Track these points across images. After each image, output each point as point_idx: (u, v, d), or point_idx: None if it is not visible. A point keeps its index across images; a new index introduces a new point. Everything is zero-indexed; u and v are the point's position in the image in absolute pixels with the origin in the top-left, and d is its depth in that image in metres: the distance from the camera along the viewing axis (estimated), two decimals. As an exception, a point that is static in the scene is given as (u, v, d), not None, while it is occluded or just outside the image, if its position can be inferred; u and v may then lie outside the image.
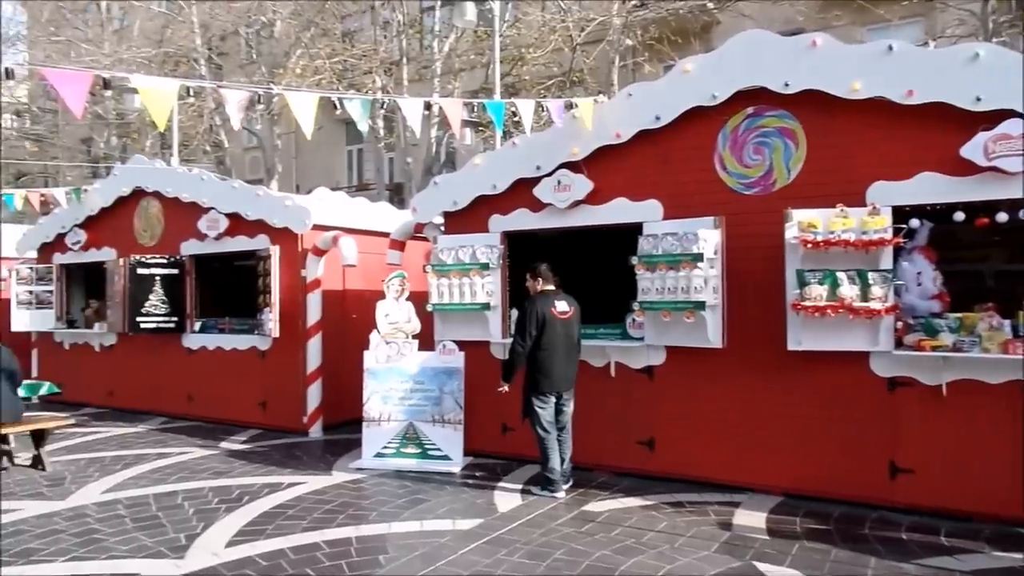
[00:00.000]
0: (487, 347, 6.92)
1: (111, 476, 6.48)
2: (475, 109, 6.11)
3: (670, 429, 6.01)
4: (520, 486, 5.93)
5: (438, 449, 6.68)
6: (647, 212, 6.07)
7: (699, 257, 5.48)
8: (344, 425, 8.26)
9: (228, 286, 9.72)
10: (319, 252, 8.20)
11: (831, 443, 5.35)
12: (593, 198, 6.34)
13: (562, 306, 5.77)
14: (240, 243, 8.78)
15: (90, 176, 23.59)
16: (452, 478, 6.27)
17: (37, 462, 6.74)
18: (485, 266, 6.72)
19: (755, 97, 5.61)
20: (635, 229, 6.05)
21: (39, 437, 6.77)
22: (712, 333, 5.64)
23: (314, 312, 8.25)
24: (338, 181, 21.84)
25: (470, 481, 6.15)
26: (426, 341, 7.08)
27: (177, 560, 4.41)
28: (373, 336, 6.96)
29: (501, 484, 6.01)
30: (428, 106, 6.24)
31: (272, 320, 8.23)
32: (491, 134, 15.04)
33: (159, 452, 7.46)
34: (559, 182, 6.45)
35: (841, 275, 5.06)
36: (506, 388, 5.84)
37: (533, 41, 16.53)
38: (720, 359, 5.75)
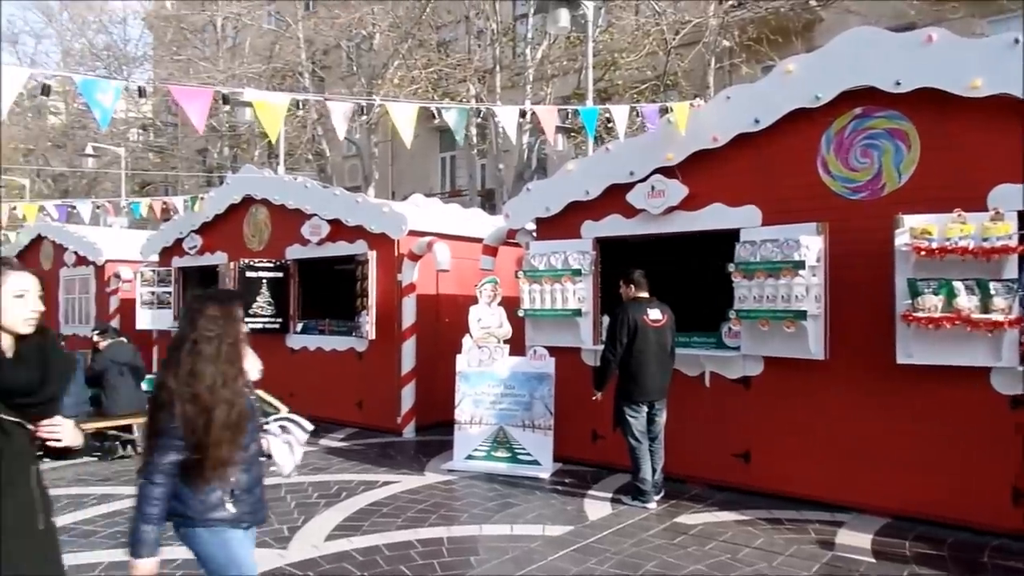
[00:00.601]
0: (578, 353, 6.91)
1: (221, 467, 6.87)
2: (569, 115, 6.11)
3: (767, 442, 5.80)
4: (610, 495, 5.88)
5: (528, 454, 6.71)
6: (745, 218, 5.90)
7: (801, 264, 5.27)
8: (435, 426, 8.43)
9: (328, 289, 10.14)
10: (414, 257, 8.43)
11: (945, 464, 5.01)
12: (688, 204, 6.22)
13: (655, 314, 5.68)
14: (340, 248, 9.14)
15: (205, 184, 25.19)
16: (541, 483, 6.29)
17: (156, 451, 7.24)
18: (577, 272, 6.71)
19: (863, 97, 5.36)
20: (731, 235, 5.90)
21: (158, 428, 7.27)
22: (814, 344, 5.41)
23: (409, 315, 8.48)
24: (431, 187, 22.38)
25: (559, 487, 6.15)
26: (517, 346, 7.15)
27: (280, 550, 4.63)
28: (465, 340, 7.08)
29: (591, 492, 5.98)
30: (523, 113, 6.31)
31: (369, 323, 8.53)
32: (583, 140, 15.04)
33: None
34: (653, 187, 6.37)
35: (958, 284, 4.74)
36: (599, 396, 5.81)
37: (626, 45, 16.40)
38: (822, 371, 5.51)
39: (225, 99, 4.43)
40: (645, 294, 5.79)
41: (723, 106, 6.08)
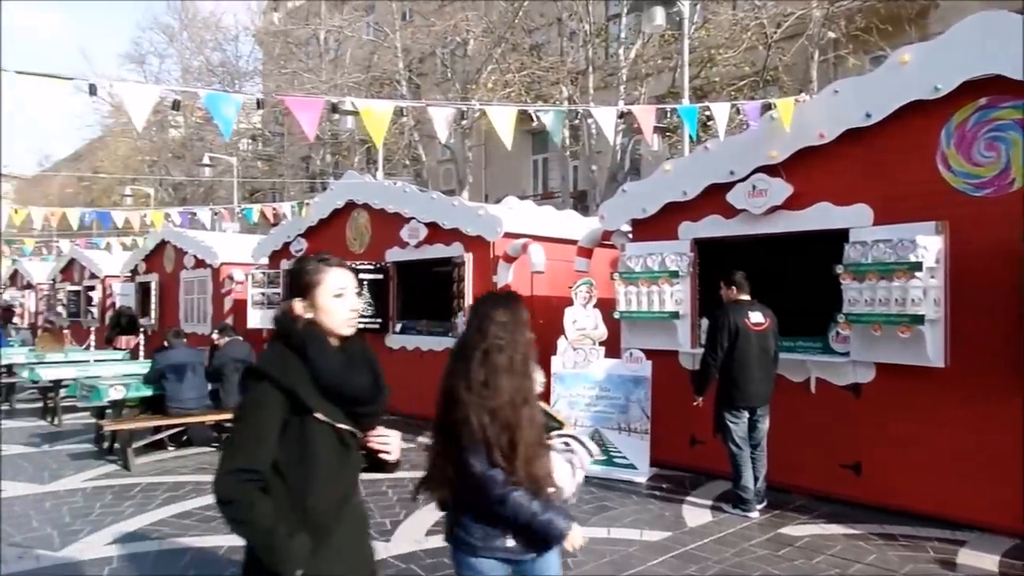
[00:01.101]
0: (675, 356, 6.79)
1: (327, 461, 7.19)
2: (668, 115, 6.02)
3: (880, 453, 5.51)
4: (710, 502, 5.74)
5: (624, 457, 6.66)
6: (854, 217, 5.63)
7: (917, 266, 4.98)
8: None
9: (426, 291, 10.40)
10: (509, 259, 8.53)
11: (1085, 482, 4.61)
12: (792, 203, 6.01)
13: (756, 317, 5.51)
14: (437, 250, 9.37)
15: (308, 190, 26.40)
16: (638, 488, 6.23)
17: (268, 444, 7.65)
18: (674, 274, 6.60)
19: (988, 87, 5.00)
20: (839, 236, 5.64)
21: (270, 422, 7.68)
22: (932, 350, 5.10)
23: (504, 317, 8.56)
24: (524, 190, 22.54)
25: (657, 492, 6.07)
26: (612, 348, 7.10)
27: (384, 543, 4.79)
28: (560, 342, 7.10)
29: (690, 498, 5.86)
30: (621, 114, 6.27)
31: (465, 323, 8.68)
32: (678, 140, 14.76)
33: (366, 442, 8.15)
34: (754, 187, 6.18)
35: (1100, 288, 4.35)
36: (700, 402, 5.69)
37: (723, 41, 15.97)
38: (941, 379, 5.18)
39: (334, 108, 4.65)
40: (747, 297, 5.63)
41: (830, 100, 5.83)
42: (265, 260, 12.87)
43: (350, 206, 10.89)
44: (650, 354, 6.74)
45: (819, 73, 15.05)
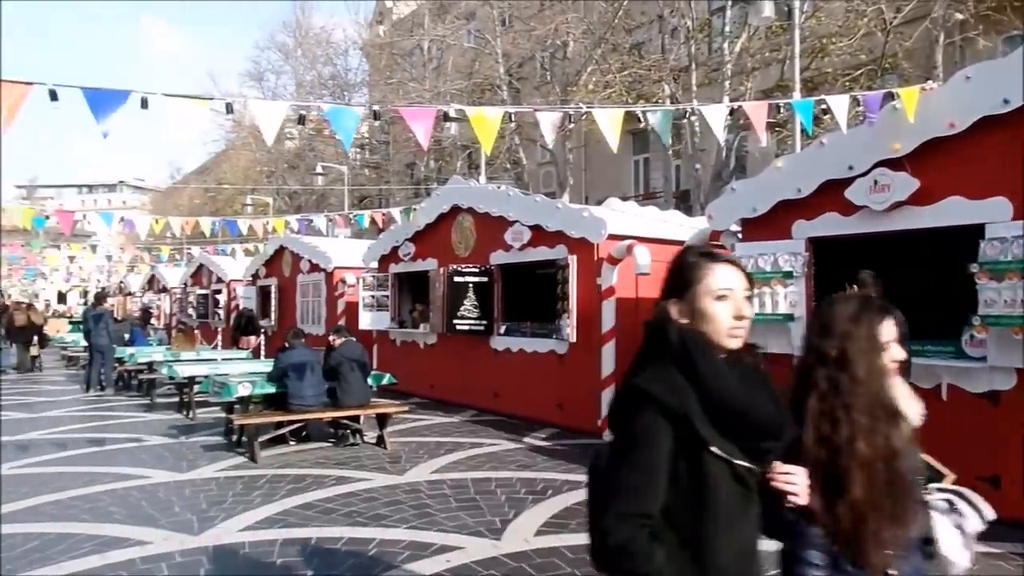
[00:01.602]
0: (789, 360, 6.53)
1: (436, 459, 7.40)
2: (781, 109, 5.82)
3: (1021, 466, 5.09)
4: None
5: (734, 463, 6.46)
6: (991, 211, 5.23)
7: (1066, 264, 4.58)
8: (636, 431, 8.38)
9: (530, 293, 10.51)
10: (614, 261, 8.48)
11: None
12: (918, 198, 5.65)
13: (881, 319, 5.20)
14: (541, 253, 9.44)
15: (413, 196, 27.25)
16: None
17: (380, 441, 7.96)
18: (788, 275, 6.36)
19: None
20: (972, 232, 5.26)
21: (382, 420, 8.00)
22: (1084, 355, 4.66)
23: (608, 319, 8.54)
24: (625, 191, 22.31)
25: (770, 500, 5.85)
26: (721, 351, 6.92)
27: (495, 541, 4.89)
28: (667, 344, 6.98)
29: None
30: (732, 111, 6.11)
31: (569, 326, 8.71)
32: (788, 135, 14.18)
33: (472, 442, 8.32)
34: (876, 182, 5.86)
35: None
36: None
37: (837, 29, 15.21)
38: (1096, 387, 4.73)
39: (446, 116, 4.80)
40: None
41: (962, 87, 5.44)
42: (374, 264, 13.38)
43: (455, 210, 11.15)
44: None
45: (944, 57, 14.06)
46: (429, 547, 4.73)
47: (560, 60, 21.20)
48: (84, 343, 14.15)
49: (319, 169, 24.51)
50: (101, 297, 14.28)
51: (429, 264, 11.64)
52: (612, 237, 8.55)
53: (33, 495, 5.99)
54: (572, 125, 5.50)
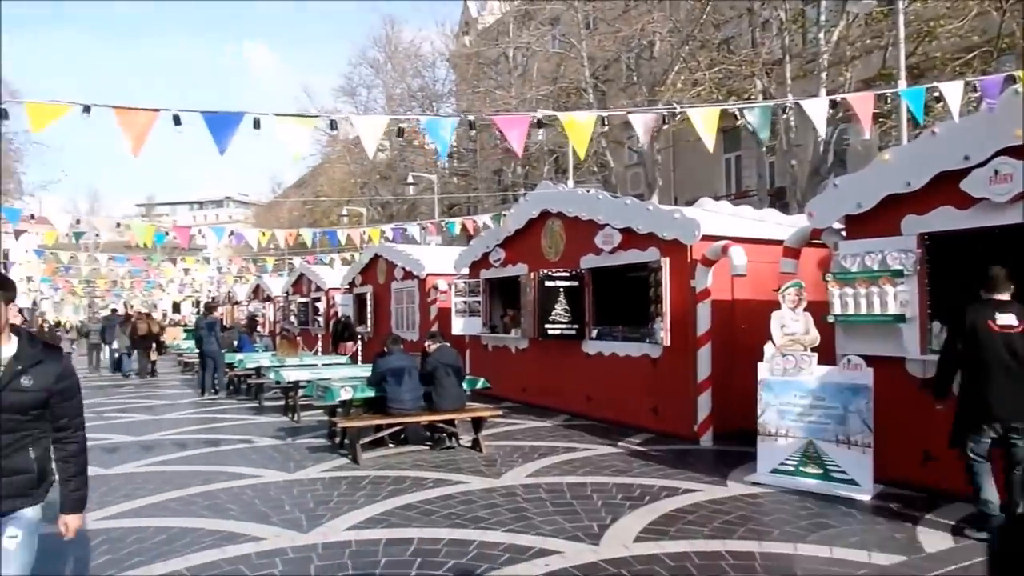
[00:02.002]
0: (901, 364, 6.19)
1: (531, 463, 7.44)
2: (888, 100, 5.53)
3: None
4: (951, 523, 5.16)
5: (843, 472, 6.17)
6: None
7: None
8: (734, 436, 8.16)
9: (621, 296, 10.41)
10: (708, 262, 8.28)
11: None
12: (1046, 188, 5.23)
13: (1006, 318, 4.85)
14: (632, 256, 9.34)
15: (501, 202, 27.54)
16: (860, 505, 5.75)
17: (476, 444, 8.08)
18: (898, 273, 6.03)
19: None
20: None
21: (477, 424, 8.12)
22: None
23: (703, 322, 8.34)
24: (716, 190, 21.76)
25: (884, 512, 5.56)
26: (825, 354, 6.63)
27: (592, 546, 4.86)
28: (768, 347, 6.76)
29: (925, 520, 5.31)
30: (834, 103, 5.85)
31: (663, 329, 8.57)
32: (892, 126, 13.45)
33: (566, 446, 8.31)
34: (996, 172, 5.47)
35: None
36: (940, 406, 5.14)
37: (945, 11, 14.30)
38: None
39: (539, 123, 4.84)
40: (1003, 296, 4.95)
41: (1095, 67, 5.00)
42: (466, 270, 13.60)
43: (544, 215, 11.20)
44: (870, 361, 6.20)
45: (1071, 34, 12.95)
46: (528, 550, 4.76)
47: (646, 60, 20.94)
48: (198, 350, 15.08)
49: (410, 179, 25.18)
50: (212, 306, 15.17)
51: (519, 269, 11.73)
52: (706, 238, 8.36)
53: (159, 491, 6.44)
54: (666, 126, 5.40)
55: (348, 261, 21.04)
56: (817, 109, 5.45)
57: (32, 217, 16.63)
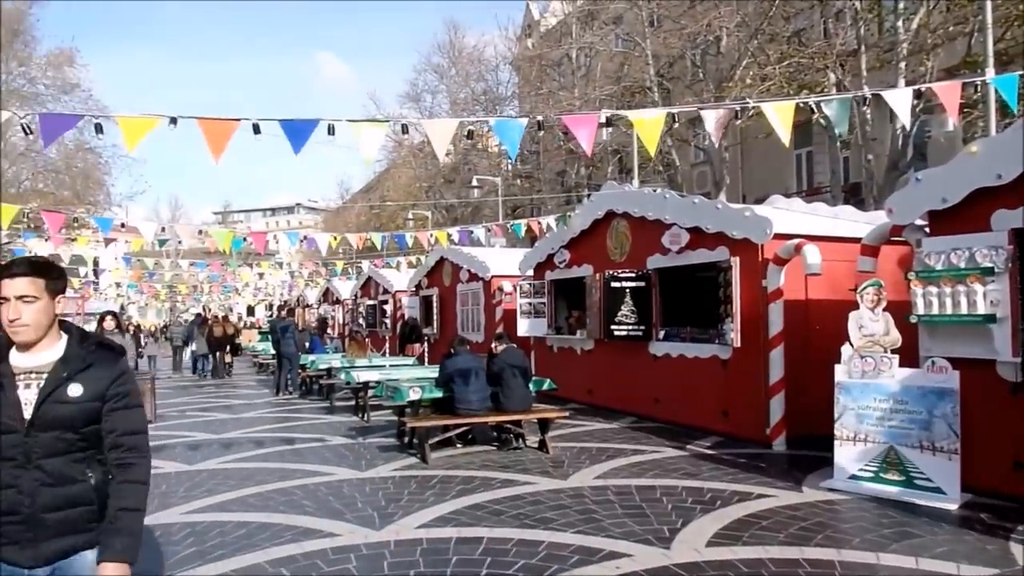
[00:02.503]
0: (992, 367, 5.86)
1: (598, 465, 7.39)
2: (977, 88, 5.26)
3: None
4: (1049, 537, 4.86)
5: (927, 479, 5.90)
6: None
7: None
8: (808, 440, 7.89)
9: (688, 297, 10.23)
10: (780, 261, 8.05)
11: None
12: None
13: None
14: (700, 256, 9.16)
15: (564, 203, 27.47)
16: (946, 515, 5.48)
17: (543, 446, 8.08)
18: (988, 271, 5.72)
19: None
20: None
21: (544, 425, 8.12)
22: None
23: (776, 322, 8.11)
24: (786, 187, 21.14)
25: (973, 522, 5.28)
26: (906, 356, 6.35)
27: (663, 550, 4.79)
28: (845, 349, 6.52)
29: (1018, 531, 5.01)
30: (918, 94, 5.60)
31: (733, 330, 8.38)
32: (979, 116, 12.78)
33: (634, 448, 8.22)
34: (1097, 162, 5.13)
35: None
36: None
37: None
38: None
39: (608, 122, 4.80)
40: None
41: None
42: (530, 272, 13.63)
43: (610, 215, 11.12)
44: (956, 363, 5.90)
45: None
46: (598, 553, 4.73)
47: (713, 56, 20.54)
48: (273, 351, 15.60)
49: (475, 182, 25.42)
50: (287, 309, 15.67)
51: (584, 270, 11.68)
52: (778, 236, 8.12)
53: (239, 487, 6.70)
54: (739, 122, 5.24)
55: (414, 264, 21.40)
56: (900, 100, 5.22)
57: (122, 226, 17.56)
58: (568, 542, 4.96)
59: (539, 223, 12.82)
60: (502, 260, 15.63)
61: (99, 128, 4.99)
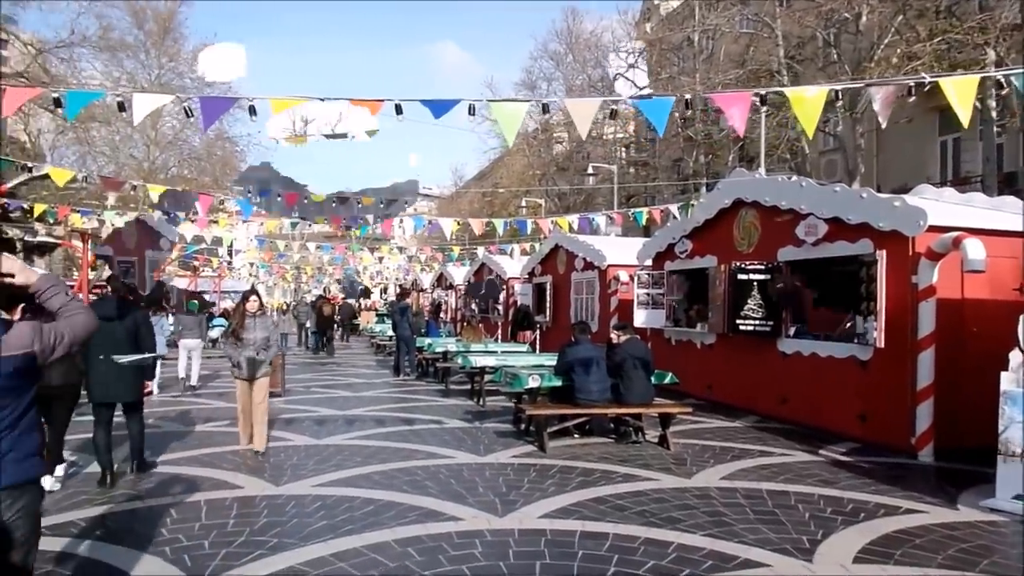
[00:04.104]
0: None
1: (723, 464, 7.06)
2: None
3: None
4: None
5: (1113, 506, 5.21)
6: None
7: None
8: (959, 451, 7.21)
9: (824, 292, 9.61)
10: (934, 256, 7.37)
11: None
12: None
13: None
14: (839, 248, 8.55)
15: (680, 192, 26.66)
16: None
17: (663, 441, 7.83)
18: None
19: None
20: None
21: (665, 420, 7.85)
22: None
23: (926, 323, 7.44)
24: (928, 176, 19.49)
25: None
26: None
27: (805, 562, 4.47)
28: (1014, 355, 5.86)
29: None
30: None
31: (876, 329, 7.77)
32: None
33: (760, 450, 7.81)
34: None
35: None
36: None
37: None
38: None
39: (763, 100, 4.51)
40: None
41: None
42: (648, 262, 13.27)
43: (737, 204, 10.60)
44: None
45: None
46: (732, 559, 4.48)
47: (850, 35, 19.16)
48: (390, 333, 16.09)
49: (590, 169, 25.11)
50: (405, 292, 16.12)
51: (708, 261, 11.22)
52: (932, 229, 7.43)
53: (364, 464, 6.89)
54: (913, 98, 4.73)
55: (527, 252, 21.42)
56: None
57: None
58: (699, 545, 4.73)
59: (662, 211, 12.41)
60: (618, 249, 15.34)
61: (252, 110, 5.25)
